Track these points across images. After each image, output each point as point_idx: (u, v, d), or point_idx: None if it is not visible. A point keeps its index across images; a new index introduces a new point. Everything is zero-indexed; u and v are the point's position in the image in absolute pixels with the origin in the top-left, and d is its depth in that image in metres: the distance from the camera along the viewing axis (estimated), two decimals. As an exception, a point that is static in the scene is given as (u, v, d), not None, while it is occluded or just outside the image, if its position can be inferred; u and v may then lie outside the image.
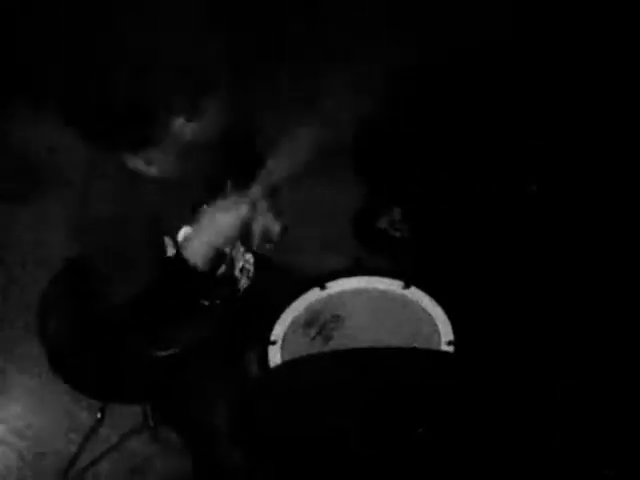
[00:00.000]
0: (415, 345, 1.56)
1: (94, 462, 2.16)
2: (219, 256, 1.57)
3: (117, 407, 2.21)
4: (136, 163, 1.49)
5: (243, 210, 1.53)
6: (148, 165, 1.50)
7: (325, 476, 1.36)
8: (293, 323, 1.68)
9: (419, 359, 1.37)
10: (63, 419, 2.32)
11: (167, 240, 1.56)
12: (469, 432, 1.30)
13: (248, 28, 3.12)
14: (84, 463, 2.17)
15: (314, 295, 1.73)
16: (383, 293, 1.72)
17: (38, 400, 2.38)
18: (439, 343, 1.58)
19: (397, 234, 2.51)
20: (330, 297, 1.73)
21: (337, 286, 1.74)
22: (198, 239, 1.50)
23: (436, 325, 1.62)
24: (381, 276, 1.74)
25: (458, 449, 1.30)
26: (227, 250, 1.66)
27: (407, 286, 1.71)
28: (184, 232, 1.56)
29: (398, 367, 1.31)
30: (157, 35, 1.32)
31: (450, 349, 1.56)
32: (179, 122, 1.40)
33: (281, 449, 1.36)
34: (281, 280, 1.88)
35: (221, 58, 1.41)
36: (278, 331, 1.65)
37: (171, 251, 1.56)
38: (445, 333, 1.59)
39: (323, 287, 1.74)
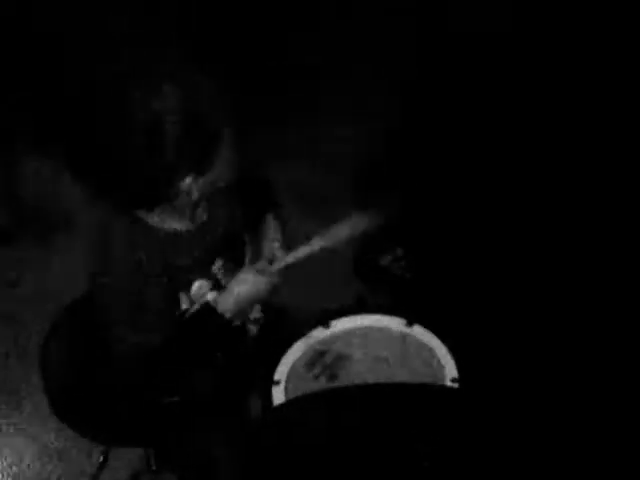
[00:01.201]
0: (420, 382, 1.55)
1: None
2: (242, 314, 1.61)
3: (120, 451, 2.19)
4: (151, 219, 1.50)
5: (275, 278, 1.59)
6: (162, 221, 1.51)
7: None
8: (297, 362, 1.67)
9: (424, 396, 1.36)
10: (66, 463, 2.30)
11: (182, 295, 1.57)
12: (474, 468, 1.29)
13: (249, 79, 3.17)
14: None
15: (318, 334, 1.73)
16: (387, 331, 1.72)
17: (41, 445, 2.36)
18: (443, 380, 1.57)
19: (399, 272, 2.51)
20: (334, 336, 1.73)
21: (341, 325, 1.74)
22: (231, 296, 1.55)
23: (440, 362, 1.61)
24: (384, 314, 1.75)
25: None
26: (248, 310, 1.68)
27: (410, 324, 1.71)
28: (198, 285, 1.59)
29: (403, 404, 1.31)
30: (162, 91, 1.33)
31: (455, 386, 1.55)
32: (188, 180, 1.41)
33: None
34: (285, 319, 1.88)
35: (226, 108, 1.42)
36: (282, 371, 1.65)
37: (186, 305, 1.58)
38: (449, 370, 1.59)
39: (327, 326, 1.74)
